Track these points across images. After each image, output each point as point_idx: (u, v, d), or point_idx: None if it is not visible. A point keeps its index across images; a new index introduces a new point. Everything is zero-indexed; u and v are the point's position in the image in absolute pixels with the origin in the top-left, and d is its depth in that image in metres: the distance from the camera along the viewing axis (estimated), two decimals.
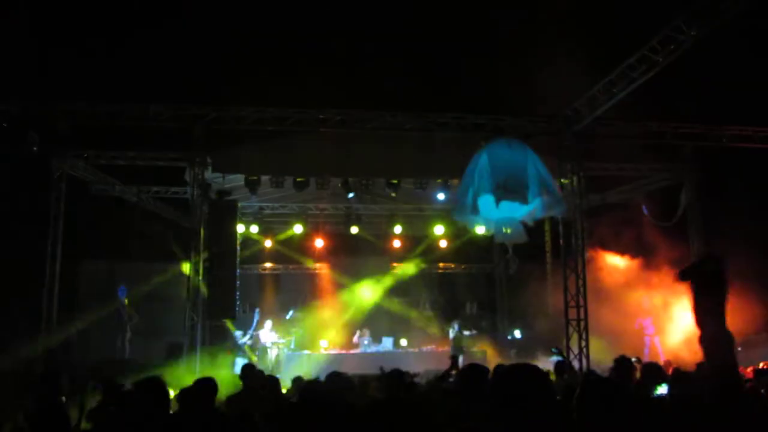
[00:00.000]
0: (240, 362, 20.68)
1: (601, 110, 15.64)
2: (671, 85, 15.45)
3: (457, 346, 22.09)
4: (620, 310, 19.62)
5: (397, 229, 25.03)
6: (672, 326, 18.93)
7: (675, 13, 12.34)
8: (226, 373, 16.77)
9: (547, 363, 15.57)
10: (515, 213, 14.99)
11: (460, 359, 20.56)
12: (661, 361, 15.97)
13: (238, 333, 21.16)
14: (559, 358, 14.51)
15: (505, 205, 14.41)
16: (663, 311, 19.41)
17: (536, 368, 3.35)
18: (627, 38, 13.89)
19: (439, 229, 25.29)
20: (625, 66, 14.09)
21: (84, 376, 10.72)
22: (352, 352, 22.88)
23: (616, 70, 14.36)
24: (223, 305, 18.99)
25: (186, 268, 17.54)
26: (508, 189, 14.28)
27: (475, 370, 5.46)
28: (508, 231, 15.33)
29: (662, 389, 7.19)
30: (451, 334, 22.69)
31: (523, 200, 14.50)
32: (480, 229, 19.37)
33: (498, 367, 3.38)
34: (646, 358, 18.05)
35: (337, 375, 7.73)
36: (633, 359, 11.38)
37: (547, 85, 15.79)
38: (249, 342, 21.79)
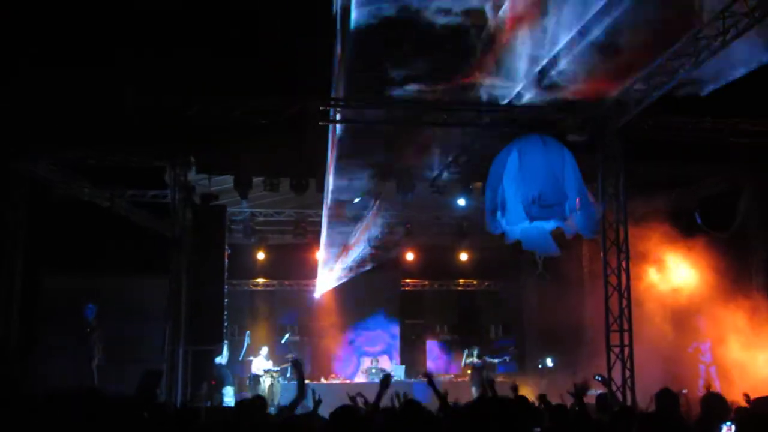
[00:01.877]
0: (228, 391, 20.60)
1: (647, 102, 15.42)
2: None
3: (476, 379, 22.11)
4: (670, 334, 19.43)
5: (410, 239, 24.85)
6: (731, 354, 18.67)
7: None
8: None
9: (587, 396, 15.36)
10: (546, 224, 14.83)
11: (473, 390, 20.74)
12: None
13: (218, 358, 21.02)
14: (599, 391, 14.33)
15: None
16: (721, 335, 19.16)
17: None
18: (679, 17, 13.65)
19: (458, 241, 25.11)
20: (675, 50, 13.87)
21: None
22: (357, 381, 22.71)
23: (665, 54, 14.14)
24: (208, 327, 18.86)
25: None
26: (544, 204, 14.06)
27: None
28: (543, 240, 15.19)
29: (728, 429, 6.87)
30: (466, 361, 22.91)
31: (561, 216, 14.31)
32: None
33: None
34: (700, 390, 17.81)
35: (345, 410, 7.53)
36: (684, 391, 11.18)
37: (586, 72, 15.57)
38: (225, 362, 21.61)
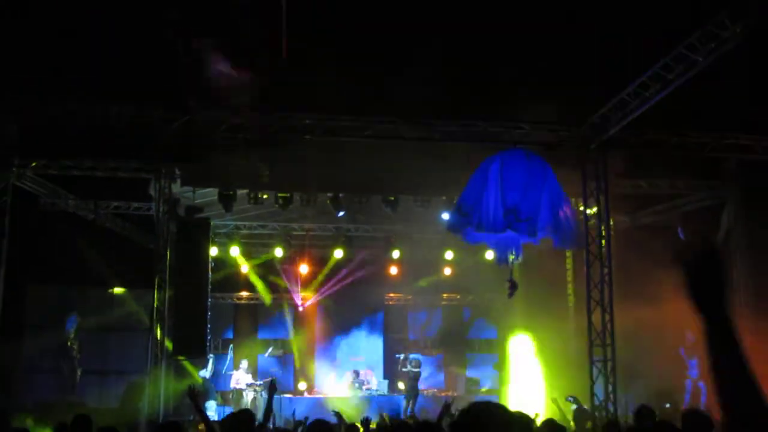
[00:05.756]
0: (211, 405, 20.58)
1: (631, 117, 15.56)
2: (712, 90, 15.38)
3: (410, 389, 22.36)
4: (655, 348, 19.50)
5: (395, 253, 24.85)
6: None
7: (718, 5, 12.28)
8: None
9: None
10: (519, 237, 14.92)
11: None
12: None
13: (202, 372, 21.00)
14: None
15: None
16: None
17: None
18: (662, 35, 13.81)
19: (443, 255, 25.15)
20: (659, 66, 14.01)
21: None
22: (340, 395, 22.71)
23: (649, 71, 14.28)
24: (191, 340, 18.85)
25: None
26: (519, 216, 14.15)
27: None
28: (512, 258, 15.24)
29: None
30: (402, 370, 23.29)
31: (532, 233, 14.42)
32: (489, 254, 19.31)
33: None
34: (685, 405, 17.93)
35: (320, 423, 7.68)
36: (666, 405, 11.22)
37: (571, 89, 15.72)
38: (209, 376, 21.61)
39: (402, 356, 24.51)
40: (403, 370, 23.74)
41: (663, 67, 13.94)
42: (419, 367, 23.81)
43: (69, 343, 19.69)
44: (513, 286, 16.51)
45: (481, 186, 14.19)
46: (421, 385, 24.92)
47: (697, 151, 17.56)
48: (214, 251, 22.37)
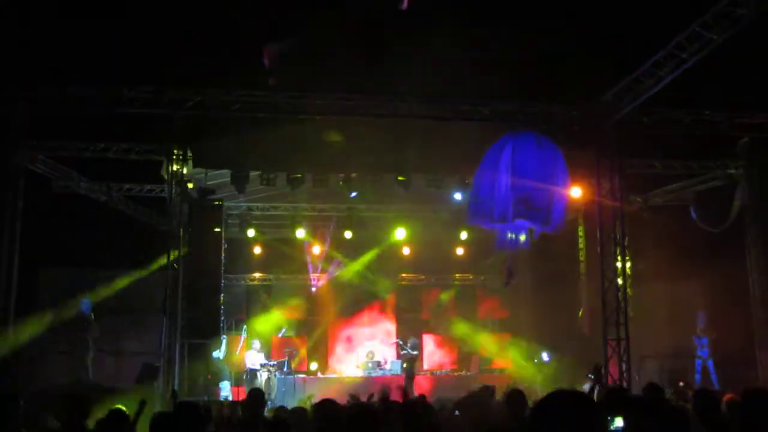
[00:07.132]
0: (225, 386, 20.60)
1: (645, 96, 15.44)
2: (726, 69, 15.24)
3: (408, 371, 22.33)
4: (666, 329, 19.46)
5: (406, 233, 24.75)
6: (729, 349, 18.70)
7: None
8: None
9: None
10: (526, 223, 14.87)
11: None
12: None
13: (215, 353, 21.00)
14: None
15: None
16: (719, 329, 19.20)
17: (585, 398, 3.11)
18: (676, 13, 13.67)
19: (455, 235, 25.08)
20: (673, 45, 13.89)
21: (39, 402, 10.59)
22: (354, 375, 22.76)
23: (663, 49, 14.15)
24: (204, 321, 18.84)
25: None
26: (531, 206, 14.10)
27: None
28: (513, 236, 15.20)
29: None
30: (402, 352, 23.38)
31: (545, 221, 14.38)
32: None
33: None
34: (696, 385, 17.91)
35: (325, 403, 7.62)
36: (680, 384, 11.14)
37: (585, 68, 15.61)
38: (222, 357, 21.64)
39: (399, 341, 24.61)
40: (402, 352, 23.89)
41: (677, 46, 13.81)
42: (416, 349, 23.92)
43: (85, 325, 19.66)
44: (509, 275, 16.48)
45: (493, 174, 14.14)
46: (435, 365, 25.09)
47: (711, 129, 17.43)
48: (226, 232, 22.36)
